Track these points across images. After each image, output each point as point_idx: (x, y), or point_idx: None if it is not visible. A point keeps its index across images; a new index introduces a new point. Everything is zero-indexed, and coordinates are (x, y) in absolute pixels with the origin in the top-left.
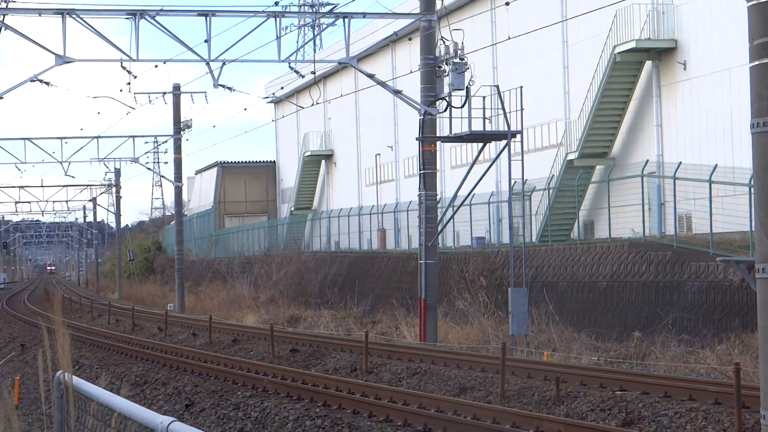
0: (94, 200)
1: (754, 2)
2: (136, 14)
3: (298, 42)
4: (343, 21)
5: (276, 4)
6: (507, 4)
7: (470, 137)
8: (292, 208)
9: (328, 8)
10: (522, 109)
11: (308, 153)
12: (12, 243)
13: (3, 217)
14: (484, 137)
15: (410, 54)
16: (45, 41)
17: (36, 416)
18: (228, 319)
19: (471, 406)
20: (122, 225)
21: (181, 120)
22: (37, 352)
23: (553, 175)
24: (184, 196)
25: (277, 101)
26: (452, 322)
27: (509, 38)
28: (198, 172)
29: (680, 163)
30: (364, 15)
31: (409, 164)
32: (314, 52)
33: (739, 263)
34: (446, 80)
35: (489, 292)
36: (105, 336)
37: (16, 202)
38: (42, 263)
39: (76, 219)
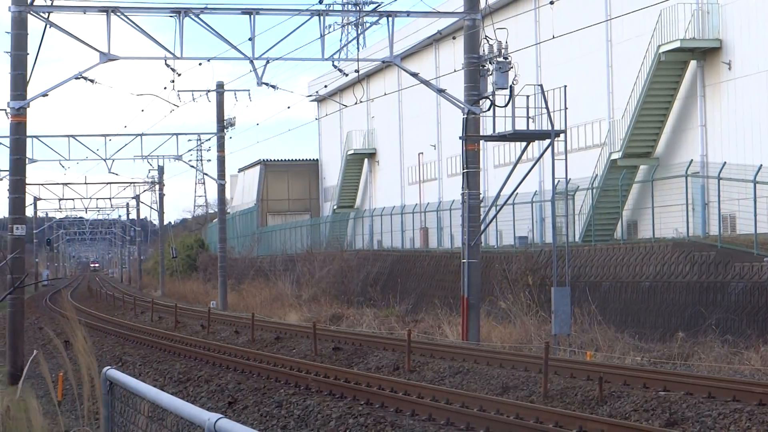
0: (137, 197)
1: None
2: (180, 12)
3: (341, 40)
4: (387, 20)
5: (320, 2)
6: (551, 3)
7: (514, 136)
8: (335, 207)
9: (371, 7)
10: (566, 109)
11: (351, 151)
12: (55, 240)
13: (47, 214)
14: (527, 136)
15: (454, 53)
16: (89, 39)
17: (80, 412)
18: (270, 317)
19: (514, 406)
20: (165, 222)
21: (225, 118)
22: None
23: (597, 175)
24: (227, 194)
25: (320, 99)
26: (495, 321)
27: (553, 37)
28: (241, 170)
29: (725, 163)
30: (407, 14)
31: (451, 163)
32: (357, 51)
33: None
34: (490, 79)
35: (532, 291)
36: (148, 333)
37: (60, 199)
38: (85, 260)
39: (120, 216)
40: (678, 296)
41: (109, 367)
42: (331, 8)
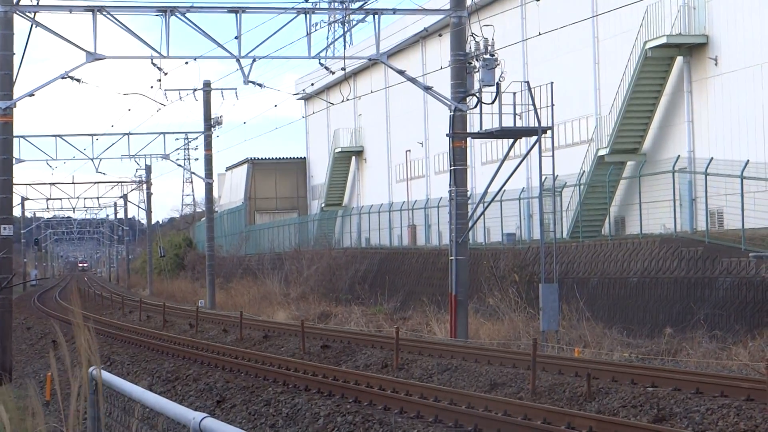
0: (125, 197)
1: None
2: (166, 11)
3: (328, 38)
4: (374, 17)
5: (306, 0)
6: None
7: (501, 133)
8: (323, 205)
9: (358, 5)
10: (553, 105)
11: (338, 149)
12: (43, 240)
13: (34, 214)
14: (514, 133)
15: (440, 50)
16: (75, 38)
17: (68, 412)
18: (259, 316)
19: (502, 403)
20: (153, 221)
21: (212, 117)
22: (70, 348)
23: (584, 171)
24: (215, 193)
25: (308, 98)
26: (483, 318)
27: (540, 34)
28: (229, 168)
29: (712, 158)
30: (394, 11)
31: (439, 160)
32: (344, 49)
33: None
34: (476, 76)
35: (520, 288)
36: (136, 332)
37: (48, 199)
38: (73, 260)
39: (107, 216)
40: (666, 292)
41: (93, 366)
42: (317, 6)
